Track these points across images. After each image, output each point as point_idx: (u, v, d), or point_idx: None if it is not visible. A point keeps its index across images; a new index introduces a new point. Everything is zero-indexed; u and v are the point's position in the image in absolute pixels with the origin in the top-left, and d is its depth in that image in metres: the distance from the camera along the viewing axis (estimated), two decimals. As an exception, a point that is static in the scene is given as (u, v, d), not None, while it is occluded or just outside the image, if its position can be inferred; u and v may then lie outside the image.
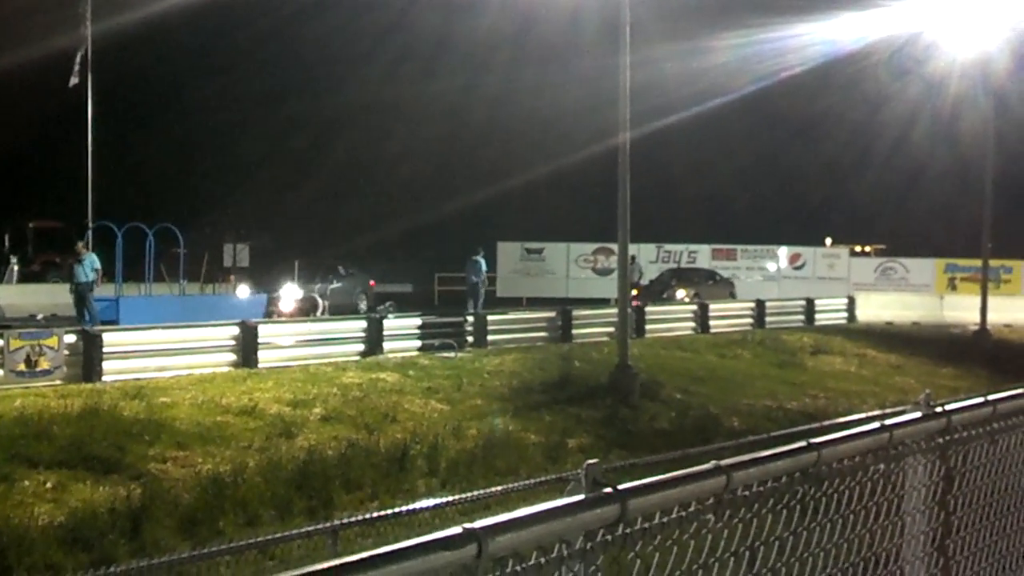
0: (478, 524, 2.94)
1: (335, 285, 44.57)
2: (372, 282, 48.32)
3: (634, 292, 47.92)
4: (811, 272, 59.65)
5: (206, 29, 67.24)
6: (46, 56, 49.87)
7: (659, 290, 51.59)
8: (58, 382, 24.92)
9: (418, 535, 2.88)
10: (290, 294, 41.40)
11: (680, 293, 51.08)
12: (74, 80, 46.14)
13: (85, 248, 37.67)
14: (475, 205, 66.76)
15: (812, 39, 57.89)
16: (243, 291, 41.31)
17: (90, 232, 41.99)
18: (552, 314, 38.52)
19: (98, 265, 37.01)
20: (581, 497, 3.32)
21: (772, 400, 31.58)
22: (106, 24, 47.67)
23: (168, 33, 63.40)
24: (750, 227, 65.12)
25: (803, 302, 48.63)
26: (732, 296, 52.39)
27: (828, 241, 68.15)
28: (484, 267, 47.12)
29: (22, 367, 24.65)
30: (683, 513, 3.66)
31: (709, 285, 53.22)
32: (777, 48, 59.04)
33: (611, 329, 35.61)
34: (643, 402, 29.26)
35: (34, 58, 51.17)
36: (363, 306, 45.25)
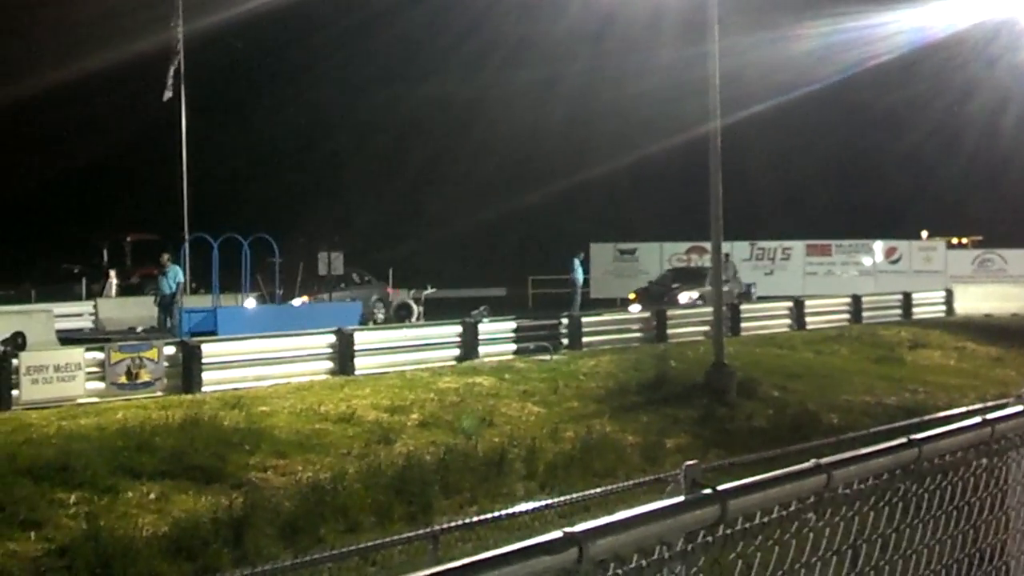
0: (578, 528, 2.95)
1: (343, 293, 44.01)
2: (389, 288, 47.65)
3: (631, 296, 45.96)
4: (907, 266, 58.88)
5: (288, 34, 67.81)
6: (141, 68, 50.67)
7: (659, 292, 44.93)
8: (159, 393, 25.26)
9: (518, 539, 2.90)
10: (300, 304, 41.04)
11: (684, 296, 44.68)
12: (168, 94, 47.00)
13: (169, 260, 38.25)
14: (566, 206, 66.69)
15: (899, 27, 57.33)
16: (250, 302, 39.46)
17: (186, 244, 42.52)
18: (647, 314, 38.38)
19: (181, 277, 37.53)
20: (681, 498, 3.32)
21: (870, 396, 31.23)
22: (194, 34, 48.38)
23: (255, 41, 64.04)
24: (843, 221, 64.36)
25: (900, 296, 47.92)
26: (749, 297, 48.46)
27: (924, 234, 67.24)
28: (581, 269, 47.24)
29: (123, 379, 25.02)
30: (784, 512, 3.64)
31: None
32: (864, 36, 58.53)
33: (706, 328, 35.41)
34: (740, 400, 29.06)
35: (130, 70, 51.97)
36: (380, 315, 44.72)
